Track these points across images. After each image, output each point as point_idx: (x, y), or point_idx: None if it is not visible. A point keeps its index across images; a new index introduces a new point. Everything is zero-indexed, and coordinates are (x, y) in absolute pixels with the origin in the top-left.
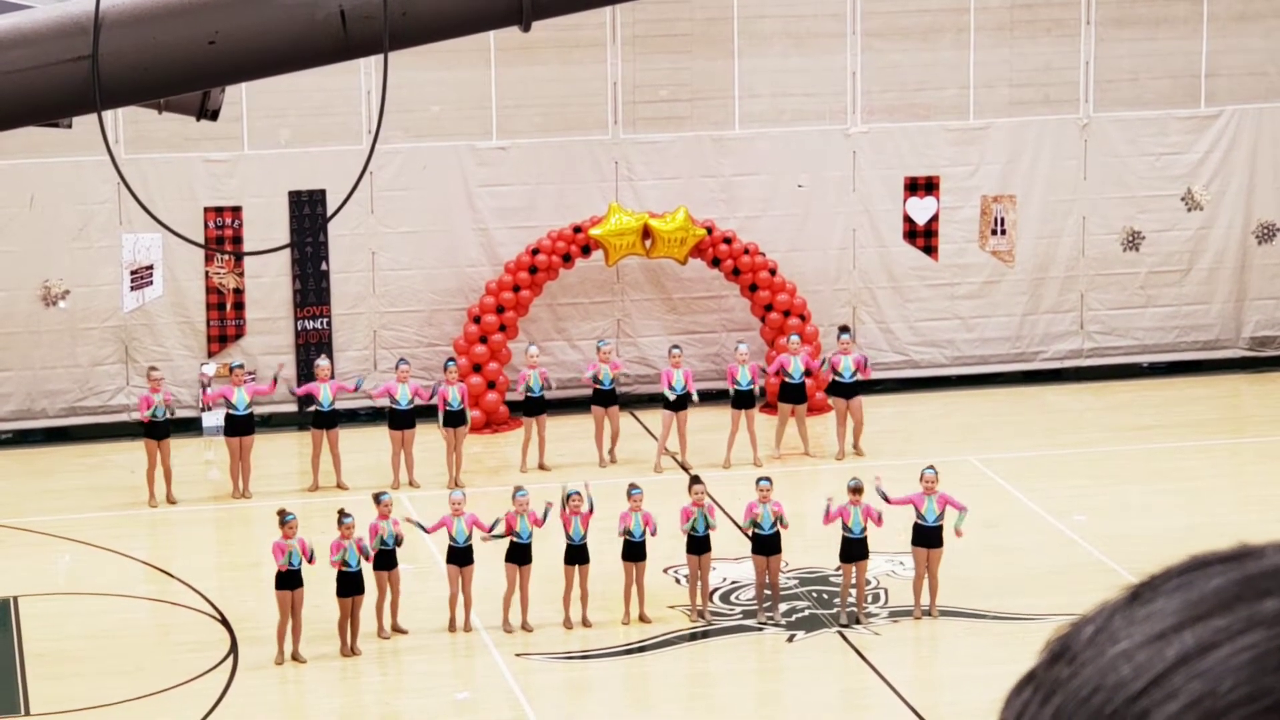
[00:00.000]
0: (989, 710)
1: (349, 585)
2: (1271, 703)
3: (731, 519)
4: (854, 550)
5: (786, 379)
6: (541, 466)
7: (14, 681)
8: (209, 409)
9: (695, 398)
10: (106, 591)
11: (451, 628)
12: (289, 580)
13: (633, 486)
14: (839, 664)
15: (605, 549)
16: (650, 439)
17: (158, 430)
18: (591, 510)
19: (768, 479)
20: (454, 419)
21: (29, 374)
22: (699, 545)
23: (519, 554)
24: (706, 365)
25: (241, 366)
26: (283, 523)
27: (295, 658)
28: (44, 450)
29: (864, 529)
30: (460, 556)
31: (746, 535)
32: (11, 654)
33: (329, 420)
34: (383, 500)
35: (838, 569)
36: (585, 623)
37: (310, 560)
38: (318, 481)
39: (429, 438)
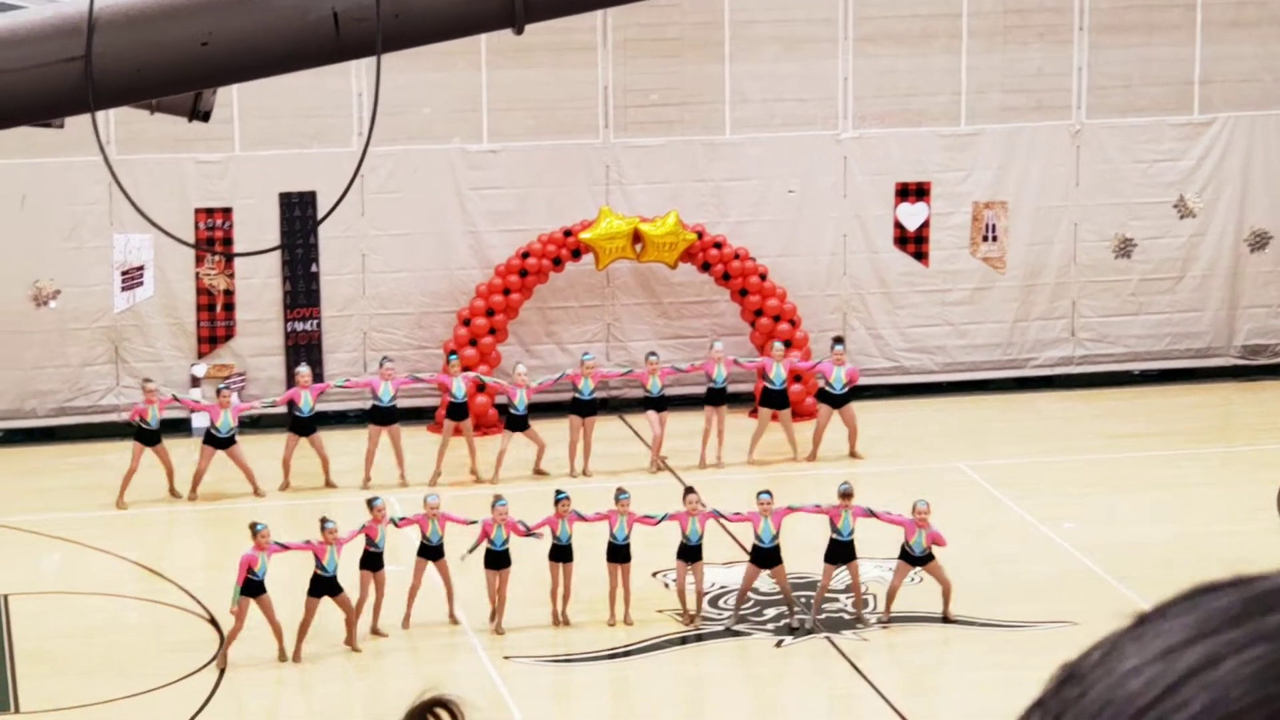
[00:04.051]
0: (977, 717)
1: (321, 588)
2: (1275, 710)
3: (724, 526)
4: (840, 552)
5: (767, 384)
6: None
7: (4, 679)
8: (196, 411)
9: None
10: (95, 590)
11: (405, 624)
12: (253, 588)
13: (620, 491)
14: (826, 669)
15: (595, 552)
16: (639, 443)
17: (148, 437)
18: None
19: (768, 492)
20: (457, 411)
21: (19, 374)
22: (690, 553)
23: (495, 559)
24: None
25: (227, 388)
26: (254, 534)
27: (284, 657)
28: (33, 450)
29: (852, 532)
30: (433, 553)
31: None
32: (1, 652)
33: (308, 427)
34: (376, 505)
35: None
36: (565, 620)
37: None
38: (288, 480)
39: (417, 440)
